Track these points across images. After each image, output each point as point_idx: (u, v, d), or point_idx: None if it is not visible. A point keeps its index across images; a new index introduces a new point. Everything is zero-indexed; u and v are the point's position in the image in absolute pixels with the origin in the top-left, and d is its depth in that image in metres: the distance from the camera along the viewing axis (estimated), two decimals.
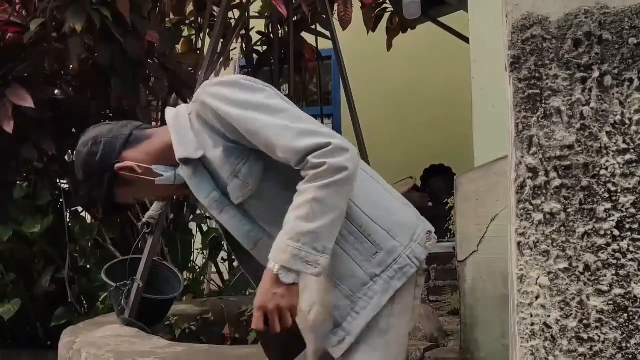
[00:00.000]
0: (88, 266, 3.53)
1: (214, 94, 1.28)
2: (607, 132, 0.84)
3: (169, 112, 1.40)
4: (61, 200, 3.53)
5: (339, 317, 1.28)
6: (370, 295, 1.27)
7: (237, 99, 1.25)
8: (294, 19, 3.67)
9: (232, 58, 4.53)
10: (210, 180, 1.31)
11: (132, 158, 1.36)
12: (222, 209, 1.32)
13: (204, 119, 1.30)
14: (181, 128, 1.33)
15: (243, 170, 1.28)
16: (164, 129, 1.39)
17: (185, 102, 3.41)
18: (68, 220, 3.55)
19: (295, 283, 1.20)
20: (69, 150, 3.74)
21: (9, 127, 2.93)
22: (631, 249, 0.83)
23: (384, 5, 4.31)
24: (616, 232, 0.83)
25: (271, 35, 3.96)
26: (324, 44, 4.02)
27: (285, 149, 1.21)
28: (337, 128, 5.84)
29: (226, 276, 4.04)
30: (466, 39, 3.21)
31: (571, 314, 0.84)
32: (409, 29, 4.38)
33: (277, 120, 1.23)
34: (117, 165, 1.35)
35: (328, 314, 1.29)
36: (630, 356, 0.82)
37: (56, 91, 3.65)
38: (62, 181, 3.59)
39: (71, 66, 3.36)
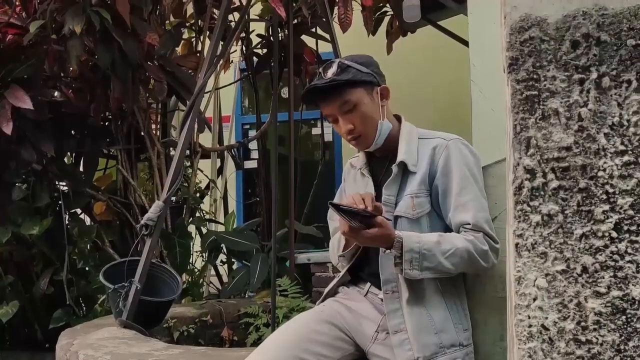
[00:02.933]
0: (87, 268, 3.53)
1: None
2: (605, 134, 0.84)
3: None
4: (60, 202, 3.52)
5: (424, 350, 1.54)
6: (454, 357, 1.55)
7: None
8: (294, 22, 3.67)
9: (232, 61, 4.53)
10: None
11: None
12: None
13: None
14: None
15: None
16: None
17: (185, 104, 3.41)
18: (67, 222, 3.54)
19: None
20: (68, 152, 3.75)
21: (7, 129, 2.93)
22: (629, 250, 0.82)
23: (384, 9, 4.32)
24: (614, 234, 0.83)
25: (271, 38, 3.96)
26: (324, 47, 4.02)
27: None
28: (336, 132, 5.84)
29: (225, 279, 4.03)
30: (465, 43, 3.22)
31: (569, 316, 0.83)
32: (409, 33, 4.38)
33: None
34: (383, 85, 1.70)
35: (409, 342, 1.55)
36: (629, 359, 0.81)
37: (56, 93, 3.65)
38: (61, 183, 3.58)
39: (70, 68, 3.36)
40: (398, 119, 1.75)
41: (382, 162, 1.71)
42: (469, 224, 1.55)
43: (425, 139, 1.68)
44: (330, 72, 1.62)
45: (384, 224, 1.51)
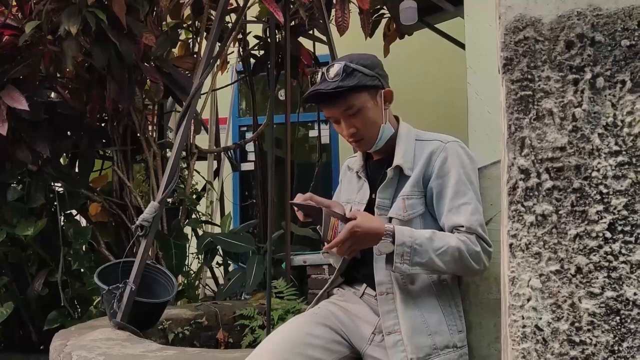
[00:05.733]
0: (82, 269, 3.52)
1: None
2: (599, 134, 0.84)
3: None
4: (55, 203, 3.51)
5: (418, 352, 1.53)
6: (448, 358, 1.55)
7: None
8: (291, 24, 3.67)
9: (229, 62, 4.53)
10: None
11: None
12: None
13: None
14: None
15: None
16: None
17: (181, 105, 3.40)
18: (62, 223, 3.53)
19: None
20: (64, 153, 3.74)
21: (3, 129, 2.92)
22: (623, 251, 0.82)
23: (381, 11, 4.32)
24: (608, 235, 0.82)
25: (268, 40, 3.96)
26: (322, 50, 4.02)
27: None
28: (334, 134, 5.85)
29: (221, 281, 4.02)
30: (462, 45, 3.22)
31: (563, 317, 0.83)
32: (405, 35, 4.39)
33: None
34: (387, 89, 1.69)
35: (402, 343, 1.55)
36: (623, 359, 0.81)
37: (51, 93, 3.64)
38: (56, 184, 3.57)
39: (66, 69, 3.35)
40: (396, 119, 1.75)
41: (380, 166, 1.71)
42: (463, 227, 1.55)
43: (422, 141, 1.67)
44: (335, 75, 1.60)
45: (359, 214, 1.56)
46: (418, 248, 1.50)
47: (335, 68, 1.61)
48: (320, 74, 1.64)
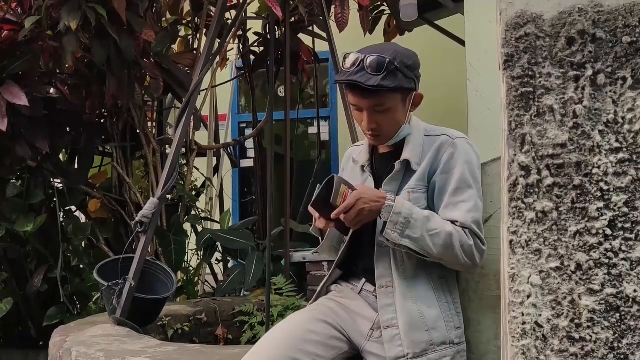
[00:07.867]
0: (81, 266, 3.52)
1: None
2: (599, 131, 0.84)
3: None
4: (54, 199, 3.51)
5: (414, 347, 1.54)
6: (444, 354, 1.56)
7: None
8: (291, 20, 3.66)
9: (228, 59, 4.52)
10: None
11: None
12: None
13: None
14: None
15: None
16: None
17: (181, 101, 3.40)
18: (61, 219, 3.53)
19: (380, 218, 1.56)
20: (63, 149, 3.73)
21: (2, 125, 2.92)
22: (623, 248, 0.82)
23: (381, 8, 4.31)
24: (608, 231, 0.82)
25: (268, 36, 3.95)
26: (321, 46, 4.02)
27: None
28: (333, 131, 5.84)
29: (220, 277, 4.02)
30: (462, 42, 3.22)
31: (563, 314, 0.83)
32: (405, 32, 4.38)
33: None
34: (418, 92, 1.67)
35: (399, 338, 1.56)
36: (622, 356, 0.81)
37: (51, 89, 3.63)
38: (55, 180, 3.57)
39: (66, 64, 3.35)
40: None
41: (386, 159, 1.71)
42: (457, 222, 1.55)
43: (430, 136, 1.68)
44: (375, 69, 1.53)
45: (362, 185, 1.62)
46: (412, 222, 1.51)
47: (378, 62, 1.54)
48: (358, 60, 1.56)
